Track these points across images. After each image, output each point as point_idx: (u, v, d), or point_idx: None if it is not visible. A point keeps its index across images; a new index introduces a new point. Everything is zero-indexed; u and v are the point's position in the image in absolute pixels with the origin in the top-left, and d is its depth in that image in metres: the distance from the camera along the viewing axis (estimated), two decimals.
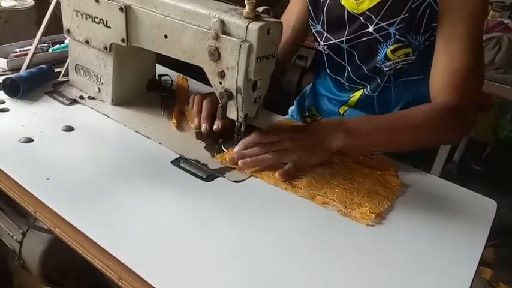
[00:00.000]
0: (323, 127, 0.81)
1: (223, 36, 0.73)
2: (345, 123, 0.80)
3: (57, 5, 0.96)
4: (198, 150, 0.83)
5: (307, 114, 1.20)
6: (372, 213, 0.69)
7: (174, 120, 0.91)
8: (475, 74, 0.86)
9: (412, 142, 0.85)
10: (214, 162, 0.80)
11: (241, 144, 0.80)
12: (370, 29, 0.92)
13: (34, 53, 1.03)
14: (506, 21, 2.02)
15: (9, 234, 0.92)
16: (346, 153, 0.81)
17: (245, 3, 0.71)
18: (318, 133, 0.80)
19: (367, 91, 1.02)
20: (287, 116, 1.25)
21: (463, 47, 0.84)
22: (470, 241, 0.68)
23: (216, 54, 0.75)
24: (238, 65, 0.73)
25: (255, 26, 0.70)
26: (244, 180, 0.76)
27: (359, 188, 0.76)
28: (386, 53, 0.92)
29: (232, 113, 0.79)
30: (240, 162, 0.77)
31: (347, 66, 1.02)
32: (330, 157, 0.81)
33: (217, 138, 0.87)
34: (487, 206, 0.77)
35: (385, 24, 0.90)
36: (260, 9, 0.73)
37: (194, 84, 1.09)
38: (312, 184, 0.75)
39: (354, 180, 0.77)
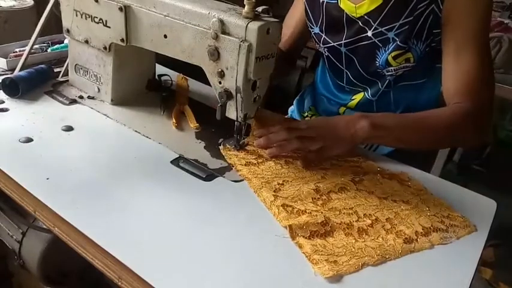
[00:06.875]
0: (349, 119, 0.82)
1: (223, 36, 0.73)
2: (371, 116, 0.82)
3: (57, 4, 0.96)
4: (197, 150, 0.83)
5: (306, 114, 1.20)
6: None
7: (174, 120, 0.91)
8: (486, 78, 0.87)
9: (430, 141, 0.88)
10: (213, 162, 0.80)
11: (266, 129, 0.84)
12: (369, 33, 0.92)
13: (29, 53, 1.03)
14: (506, 21, 2.02)
15: (8, 234, 0.92)
16: (368, 142, 0.84)
17: (244, 2, 0.71)
18: (344, 123, 0.82)
19: (368, 95, 1.02)
20: (287, 116, 1.25)
21: (473, 52, 0.85)
22: (469, 241, 0.68)
23: (215, 54, 0.75)
24: (237, 65, 0.73)
25: (254, 25, 0.70)
26: (243, 180, 0.76)
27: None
28: (387, 59, 0.92)
29: (231, 113, 0.79)
30: (268, 151, 0.82)
31: (345, 70, 1.02)
32: (353, 147, 0.84)
33: (218, 138, 0.87)
34: (486, 206, 0.77)
35: (384, 29, 0.90)
36: (259, 8, 0.73)
37: (194, 84, 1.09)
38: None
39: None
